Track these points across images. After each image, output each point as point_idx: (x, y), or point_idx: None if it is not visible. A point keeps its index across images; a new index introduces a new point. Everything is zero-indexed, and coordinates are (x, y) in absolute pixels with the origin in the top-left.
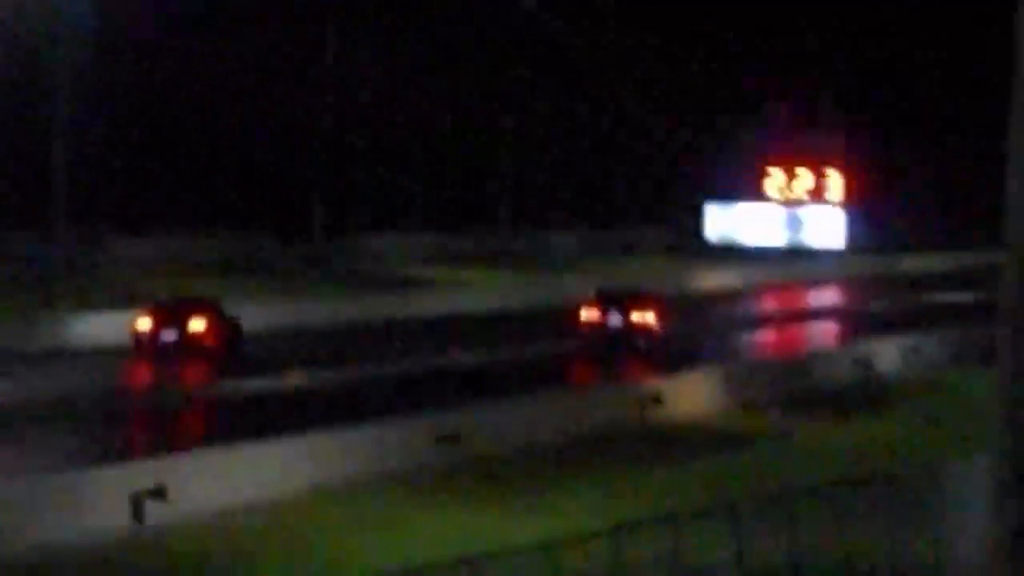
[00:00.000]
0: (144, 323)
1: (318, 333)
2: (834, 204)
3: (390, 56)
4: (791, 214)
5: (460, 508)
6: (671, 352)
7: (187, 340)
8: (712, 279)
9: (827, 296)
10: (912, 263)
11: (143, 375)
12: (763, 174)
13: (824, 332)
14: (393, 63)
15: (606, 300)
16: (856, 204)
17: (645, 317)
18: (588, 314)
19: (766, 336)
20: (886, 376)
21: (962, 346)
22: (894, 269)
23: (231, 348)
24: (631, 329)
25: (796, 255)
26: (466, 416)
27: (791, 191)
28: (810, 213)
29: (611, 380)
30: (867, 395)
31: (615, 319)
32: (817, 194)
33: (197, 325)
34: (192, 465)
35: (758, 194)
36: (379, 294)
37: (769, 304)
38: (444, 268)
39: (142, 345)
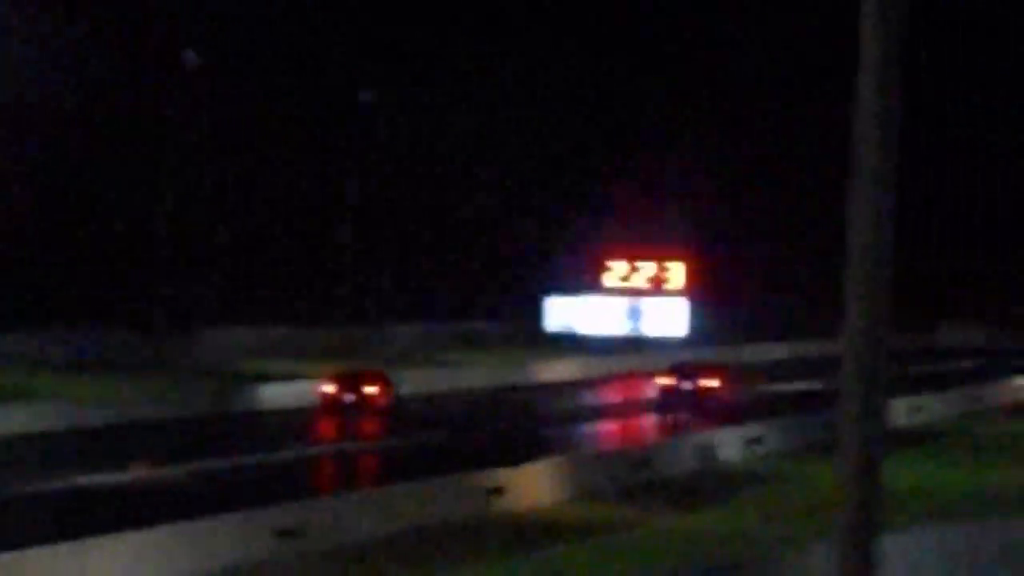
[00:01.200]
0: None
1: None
2: (675, 294)
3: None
4: (632, 304)
5: None
6: None
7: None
8: (553, 370)
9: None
10: (753, 352)
11: None
12: (603, 266)
13: (666, 422)
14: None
15: (680, 371)
16: (698, 294)
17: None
18: (664, 381)
19: (608, 426)
20: (728, 466)
21: (803, 435)
22: (736, 359)
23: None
24: (699, 392)
25: (637, 345)
26: (306, 509)
27: (632, 281)
28: (651, 303)
29: (453, 472)
30: (709, 485)
31: (686, 384)
32: (658, 284)
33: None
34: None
35: (599, 286)
36: (214, 386)
37: (611, 394)
38: (289, 361)
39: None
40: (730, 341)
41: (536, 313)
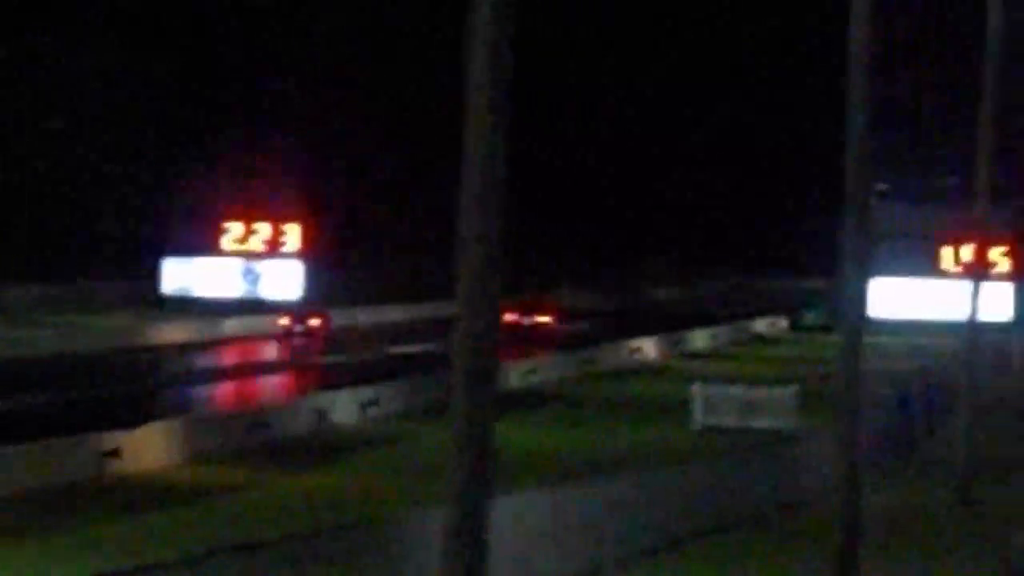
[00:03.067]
0: None
1: None
2: (291, 256)
3: None
4: (247, 267)
5: None
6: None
7: None
8: (169, 333)
9: (283, 350)
10: (369, 315)
11: None
12: (220, 228)
13: (281, 384)
14: None
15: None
16: (314, 256)
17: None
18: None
19: (224, 389)
20: (342, 428)
21: (420, 398)
22: (351, 321)
23: None
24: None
25: (254, 308)
26: None
27: (248, 244)
28: (266, 266)
29: (69, 433)
30: (324, 447)
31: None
32: (274, 246)
33: None
34: None
35: (216, 247)
36: None
37: (227, 357)
38: None
39: None
40: (348, 303)
41: (154, 275)
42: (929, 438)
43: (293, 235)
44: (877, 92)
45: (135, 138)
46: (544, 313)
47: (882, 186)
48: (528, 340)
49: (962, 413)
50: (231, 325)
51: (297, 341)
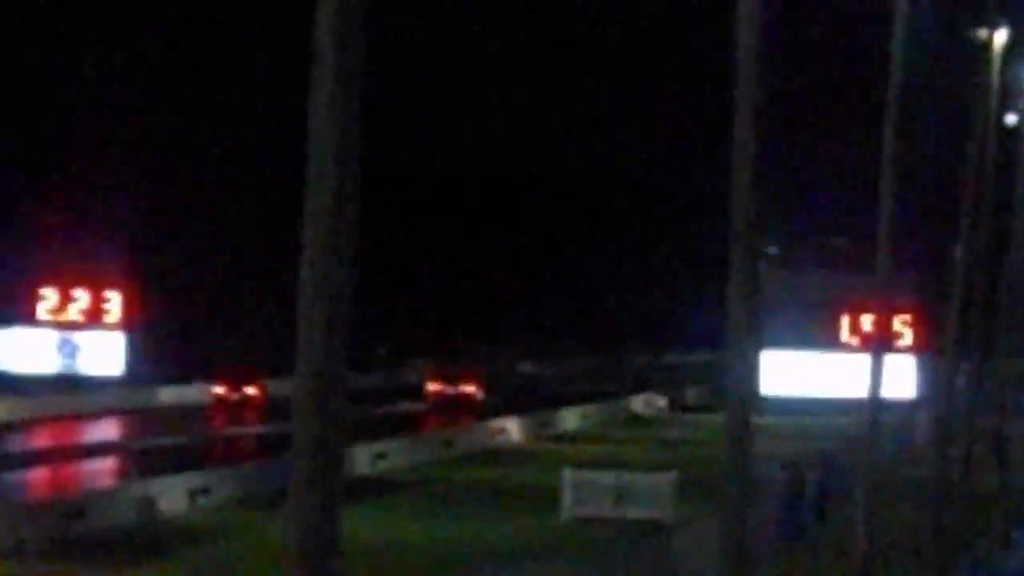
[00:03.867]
0: None
1: None
2: (113, 327)
3: None
4: (64, 338)
5: None
6: None
7: None
8: None
9: (105, 430)
10: (179, 393)
11: None
12: (36, 295)
13: (103, 470)
14: None
15: None
16: (138, 327)
17: None
18: None
19: (36, 474)
20: (172, 518)
21: (256, 485)
22: (177, 399)
23: None
24: None
25: (71, 384)
26: None
27: (66, 313)
28: (85, 337)
29: None
30: (149, 539)
31: None
32: (94, 316)
33: None
34: None
35: (31, 317)
36: None
37: (40, 439)
38: None
39: None
40: (176, 379)
41: None
42: (820, 524)
43: (115, 303)
44: (766, 143)
45: None
46: (468, 382)
47: (772, 249)
48: (453, 410)
49: (861, 496)
50: (46, 404)
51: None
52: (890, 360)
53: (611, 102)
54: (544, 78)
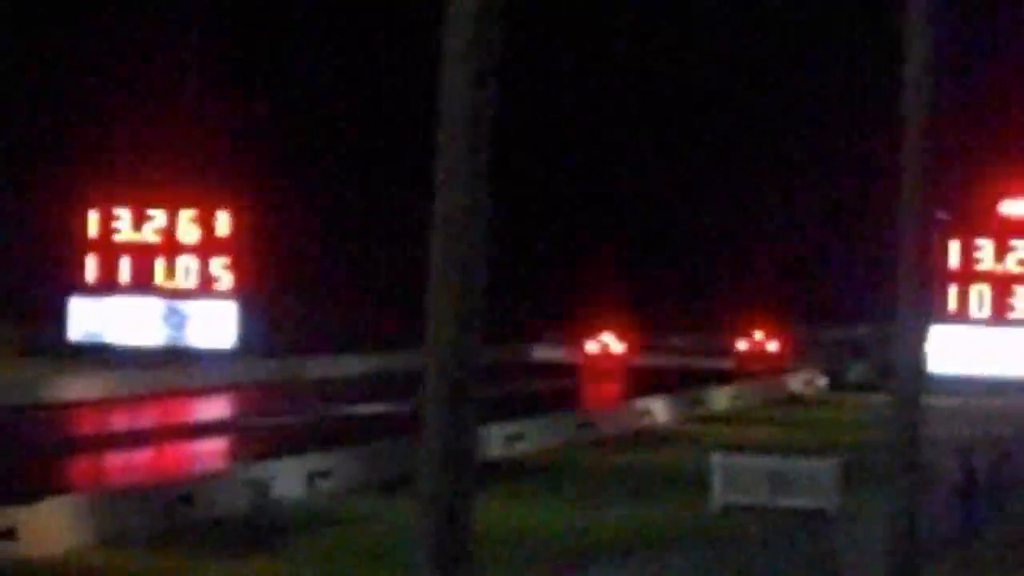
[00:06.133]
0: None
1: None
2: (224, 296)
3: None
4: (171, 308)
5: None
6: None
7: None
8: (76, 387)
9: (215, 408)
10: (322, 368)
11: None
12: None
13: (212, 451)
14: None
15: None
16: (252, 297)
17: None
18: None
19: (141, 456)
20: (286, 504)
21: (380, 468)
22: (299, 375)
23: None
24: None
25: (178, 357)
26: None
27: (174, 280)
28: (194, 307)
29: None
30: (264, 527)
31: None
32: (205, 284)
33: None
34: None
35: (138, 285)
36: None
37: (145, 417)
38: None
39: None
40: (294, 352)
41: (59, 317)
42: (998, 517)
43: (226, 270)
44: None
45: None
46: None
47: (944, 215)
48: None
49: None
50: (151, 379)
51: None
52: None
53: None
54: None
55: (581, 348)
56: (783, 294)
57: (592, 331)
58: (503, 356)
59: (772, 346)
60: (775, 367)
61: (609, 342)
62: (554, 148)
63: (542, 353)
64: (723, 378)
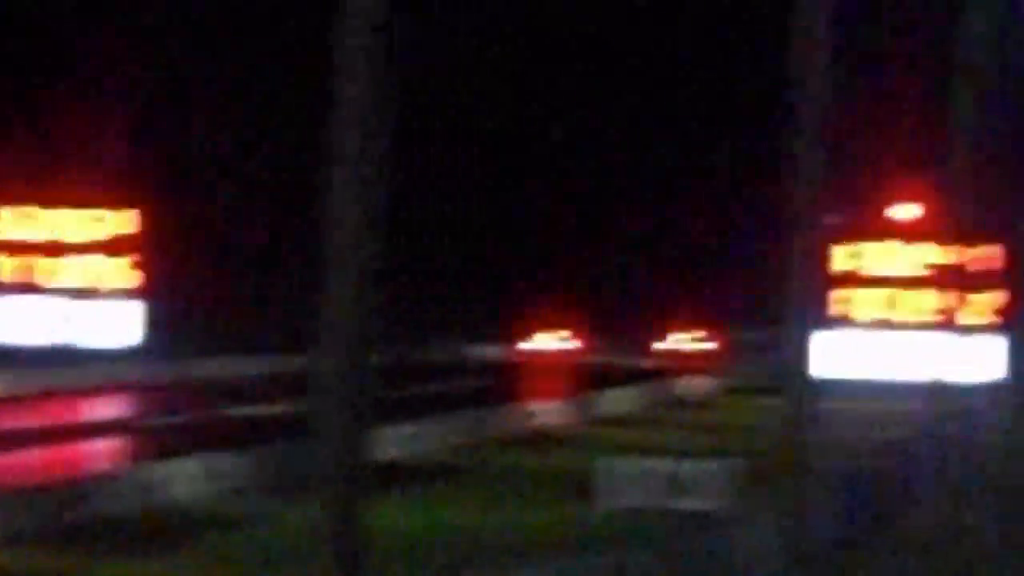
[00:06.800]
0: None
1: None
2: (127, 294)
3: None
4: (67, 306)
5: None
6: None
7: None
8: None
9: (111, 408)
10: (212, 368)
11: None
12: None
13: (107, 451)
14: None
15: None
16: (158, 297)
17: None
18: None
19: (30, 457)
20: (180, 505)
21: (277, 469)
22: (191, 375)
23: None
24: None
25: (72, 357)
26: None
27: (69, 278)
28: (87, 307)
29: None
30: (160, 527)
31: None
32: (109, 285)
33: None
34: None
35: (33, 285)
36: None
37: (33, 417)
38: None
39: None
40: (191, 353)
41: None
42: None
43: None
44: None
45: None
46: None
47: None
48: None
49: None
50: (45, 377)
51: None
52: (973, 340)
53: None
54: None
55: (514, 347)
56: (711, 295)
57: (527, 330)
58: (437, 356)
59: (694, 346)
60: (695, 368)
61: (543, 341)
62: (484, 153)
63: (476, 352)
64: (641, 378)
